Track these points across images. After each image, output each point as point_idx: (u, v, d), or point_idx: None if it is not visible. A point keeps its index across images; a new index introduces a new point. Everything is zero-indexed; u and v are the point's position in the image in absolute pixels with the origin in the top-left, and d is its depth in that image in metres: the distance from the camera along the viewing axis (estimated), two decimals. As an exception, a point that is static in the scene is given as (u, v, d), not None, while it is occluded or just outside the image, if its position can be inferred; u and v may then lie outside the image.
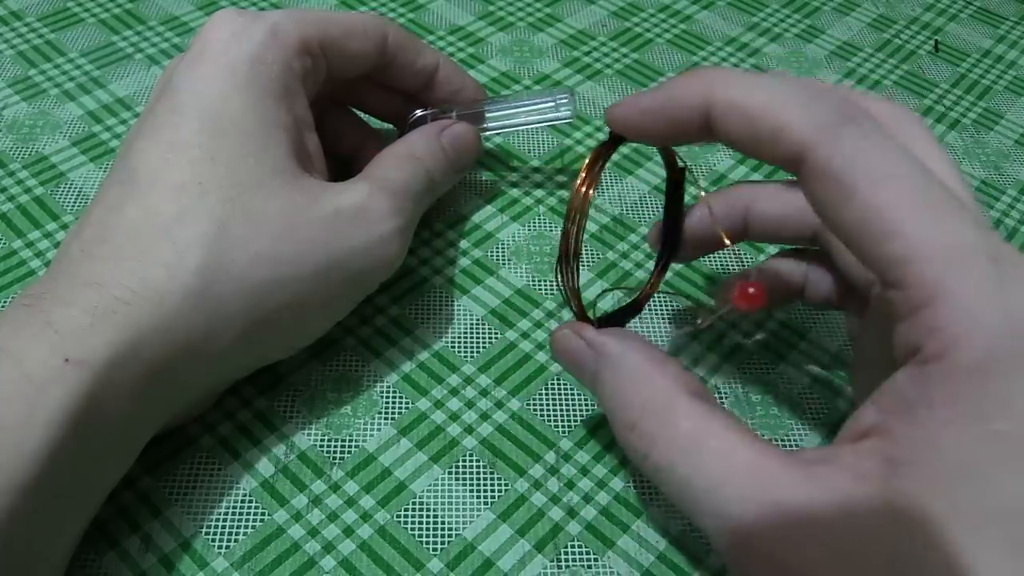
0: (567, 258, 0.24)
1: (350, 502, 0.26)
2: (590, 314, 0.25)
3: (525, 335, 0.30)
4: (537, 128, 0.38)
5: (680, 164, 0.26)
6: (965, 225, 0.18)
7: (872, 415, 0.20)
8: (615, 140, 0.24)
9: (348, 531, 0.25)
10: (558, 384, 0.29)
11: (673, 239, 0.27)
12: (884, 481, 0.18)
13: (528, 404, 0.28)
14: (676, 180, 0.27)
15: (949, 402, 0.18)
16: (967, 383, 0.18)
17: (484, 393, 0.29)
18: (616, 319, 0.27)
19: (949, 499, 0.18)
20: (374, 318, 0.31)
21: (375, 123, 0.35)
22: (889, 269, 0.19)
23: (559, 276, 0.24)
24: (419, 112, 0.33)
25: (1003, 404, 0.17)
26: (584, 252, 0.33)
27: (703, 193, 0.28)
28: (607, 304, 0.31)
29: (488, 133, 0.33)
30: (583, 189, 0.23)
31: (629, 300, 0.27)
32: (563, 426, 0.28)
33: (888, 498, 0.18)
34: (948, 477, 0.18)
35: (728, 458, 0.20)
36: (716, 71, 0.21)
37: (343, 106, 0.34)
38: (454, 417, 0.28)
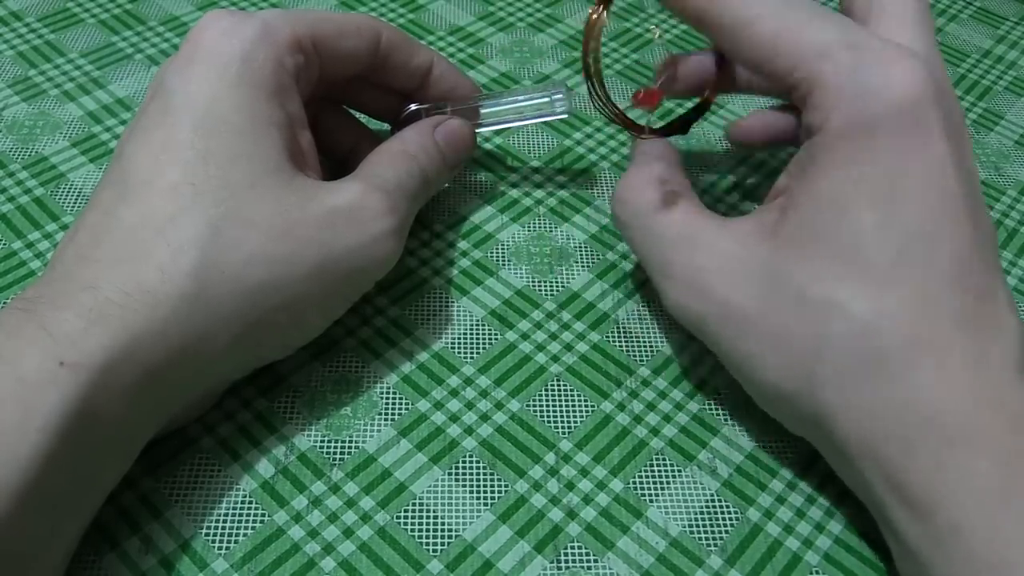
0: (591, 80, 0.29)
1: (350, 503, 0.26)
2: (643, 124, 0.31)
3: (525, 336, 0.30)
4: (536, 128, 0.38)
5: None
6: (827, 28, 0.25)
7: (782, 181, 0.27)
8: None
9: (348, 532, 0.25)
10: (558, 385, 0.29)
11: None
12: (775, 223, 0.25)
13: (528, 405, 0.28)
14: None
15: (826, 157, 0.24)
16: (839, 141, 0.24)
17: (484, 394, 0.29)
18: (666, 130, 0.31)
19: (813, 229, 0.24)
20: (374, 319, 0.31)
21: (373, 124, 0.35)
22: (784, 79, 0.25)
23: (594, 100, 0.30)
24: (413, 106, 0.33)
25: (865, 153, 0.24)
26: (583, 251, 0.33)
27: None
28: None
29: (483, 130, 0.33)
30: (594, 16, 0.29)
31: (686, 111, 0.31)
32: (563, 427, 0.28)
33: (775, 232, 0.25)
34: (819, 213, 0.24)
35: (671, 225, 0.27)
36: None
37: (339, 106, 0.33)
38: (454, 418, 0.28)
